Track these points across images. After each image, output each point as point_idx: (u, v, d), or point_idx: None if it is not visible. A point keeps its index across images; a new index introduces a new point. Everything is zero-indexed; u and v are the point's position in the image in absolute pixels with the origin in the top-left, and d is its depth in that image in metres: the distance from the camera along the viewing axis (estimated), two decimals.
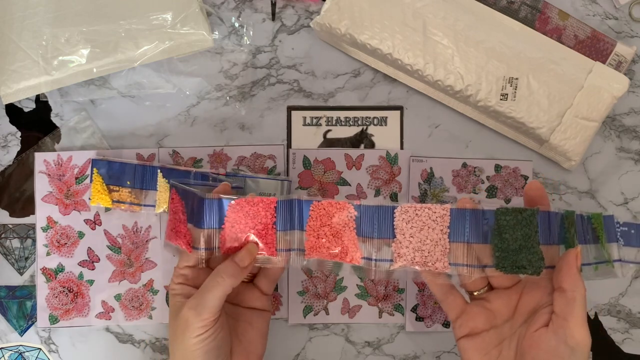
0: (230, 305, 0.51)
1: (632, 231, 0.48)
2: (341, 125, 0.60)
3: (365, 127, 0.60)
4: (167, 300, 0.59)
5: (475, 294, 0.48)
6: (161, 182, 0.56)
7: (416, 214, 0.45)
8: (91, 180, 0.56)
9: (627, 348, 0.60)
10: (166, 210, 0.56)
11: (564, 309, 0.42)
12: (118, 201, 0.57)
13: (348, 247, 0.46)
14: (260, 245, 0.47)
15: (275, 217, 0.47)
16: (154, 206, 0.56)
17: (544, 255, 0.43)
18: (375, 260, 0.46)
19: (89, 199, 0.57)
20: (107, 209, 0.58)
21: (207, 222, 0.47)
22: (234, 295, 0.50)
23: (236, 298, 0.51)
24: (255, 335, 0.51)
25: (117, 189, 0.56)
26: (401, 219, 0.45)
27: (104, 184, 0.56)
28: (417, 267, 0.45)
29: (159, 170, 0.56)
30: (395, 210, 0.45)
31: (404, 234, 0.45)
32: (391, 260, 0.45)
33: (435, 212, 0.45)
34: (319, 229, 0.47)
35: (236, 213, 0.47)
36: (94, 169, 0.56)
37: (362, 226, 0.46)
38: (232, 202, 0.47)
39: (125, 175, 0.56)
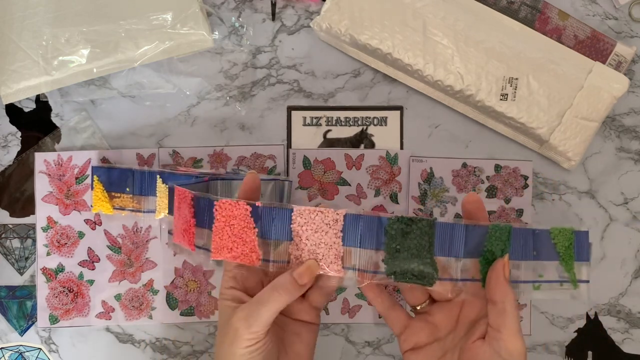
0: (279, 316, 0.48)
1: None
2: (341, 125, 0.60)
3: (365, 127, 0.60)
4: (167, 301, 0.59)
5: (418, 308, 0.48)
6: (160, 187, 0.55)
7: (311, 217, 0.45)
8: (92, 188, 0.57)
9: (627, 348, 0.60)
10: (166, 215, 0.55)
11: (496, 320, 0.42)
12: (120, 207, 0.57)
13: (248, 248, 0.46)
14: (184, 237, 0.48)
15: (194, 213, 0.47)
16: (154, 212, 0.56)
17: (441, 266, 0.43)
18: (273, 262, 0.45)
19: (91, 205, 0.58)
20: None
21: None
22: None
23: (285, 309, 0.49)
24: (303, 349, 0.49)
25: (118, 195, 0.57)
26: (297, 221, 0.45)
27: (105, 191, 0.56)
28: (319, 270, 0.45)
29: (157, 176, 0.56)
30: (292, 213, 0.45)
31: (299, 237, 0.45)
32: (288, 262, 0.45)
33: (328, 216, 0.44)
34: (222, 229, 0.46)
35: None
36: (95, 176, 0.56)
37: (263, 227, 0.45)
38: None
39: (125, 181, 0.56)
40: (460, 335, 0.46)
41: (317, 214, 0.45)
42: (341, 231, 0.44)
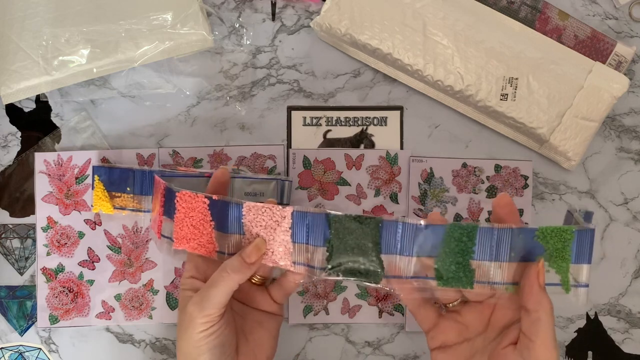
0: (239, 304, 0.50)
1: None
2: (341, 125, 0.60)
3: (365, 127, 0.60)
4: (167, 301, 0.59)
5: (449, 306, 0.48)
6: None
7: (259, 213, 0.45)
8: (93, 187, 0.57)
9: (627, 348, 0.60)
10: None
11: (529, 328, 0.41)
12: (120, 207, 0.57)
13: (206, 240, 0.46)
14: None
15: (163, 203, 0.48)
16: None
17: (386, 265, 0.43)
18: (228, 254, 0.46)
19: (91, 205, 0.58)
20: None
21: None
22: (244, 295, 0.50)
23: (246, 298, 0.50)
24: (265, 336, 0.49)
25: (119, 194, 0.57)
26: (247, 217, 0.45)
27: (105, 191, 0.56)
28: (267, 264, 0.46)
29: (155, 176, 0.56)
30: (242, 208, 0.45)
31: (250, 232, 0.45)
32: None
33: (276, 213, 0.45)
34: (182, 220, 0.47)
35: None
36: (95, 176, 0.56)
37: (219, 220, 0.46)
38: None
39: (126, 181, 0.56)
40: (490, 339, 0.45)
41: (265, 210, 0.45)
42: (290, 228, 0.45)
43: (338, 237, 0.44)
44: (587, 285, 0.43)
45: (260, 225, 0.45)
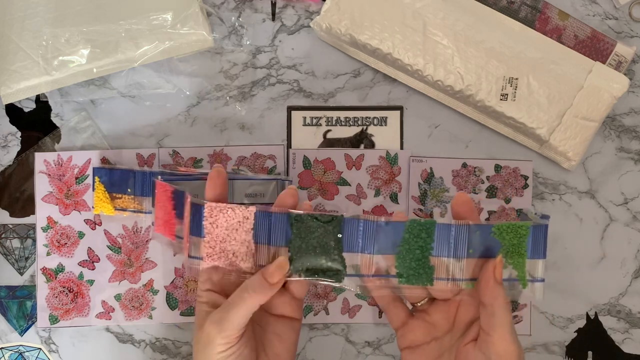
0: (259, 311, 0.46)
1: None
2: (341, 125, 0.60)
3: (365, 127, 0.60)
4: (167, 301, 0.59)
5: (417, 305, 0.47)
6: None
7: (221, 214, 0.45)
8: (93, 189, 0.57)
9: (627, 348, 0.60)
10: None
11: (486, 323, 0.41)
12: (121, 208, 0.57)
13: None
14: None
15: (174, 205, 0.49)
16: None
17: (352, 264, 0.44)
18: (194, 258, 0.45)
19: (92, 207, 0.58)
20: None
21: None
22: None
23: (266, 304, 0.47)
24: (283, 350, 0.47)
25: (120, 196, 0.57)
26: (208, 219, 0.45)
27: (106, 192, 0.56)
28: (223, 266, 0.45)
29: (154, 178, 0.55)
30: (203, 209, 0.45)
31: (210, 233, 0.45)
32: (201, 258, 0.45)
33: (238, 214, 0.45)
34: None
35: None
36: (96, 177, 0.56)
37: (190, 224, 0.45)
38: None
39: (127, 182, 0.56)
40: (456, 337, 0.45)
41: (227, 211, 0.45)
42: (252, 228, 0.45)
43: (300, 237, 0.44)
44: (542, 280, 0.43)
45: (222, 227, 0.45)
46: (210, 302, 0.45)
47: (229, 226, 0.45)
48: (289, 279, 0.44)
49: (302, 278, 0.44)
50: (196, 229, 0.45)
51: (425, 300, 0.47)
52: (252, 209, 0.45)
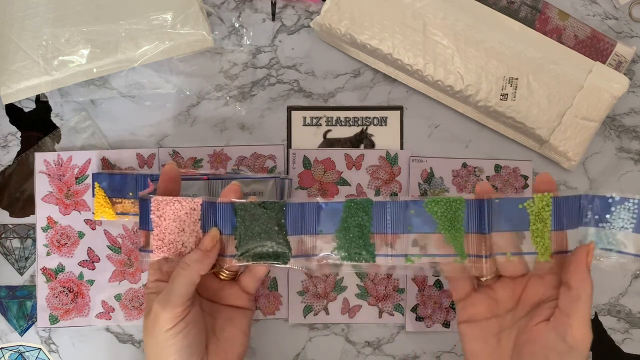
0: (209, 303, 0.49)
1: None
2: (341, 125, 0.60)
3: (365, 127, 0.60)
4: None
5: (482, 280, 0.47)
6: None
7: (168, 206, 0.46)
8: (93, 195, 0.57)
9: (627, 348, 0.60)
10: None
11: (567, 305, 0.41)
12: (122, 213, 0.57)
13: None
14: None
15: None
16: None
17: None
18: (144, 251, 0.47)
19: (93, 213, 0.58)
20: None
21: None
22: (213, 293, 0.49)
23: (215, 296, 0.49)
24: (235, 333, 0.48)
25: (120, 200, 0.57)
26: (155, 213, 0.46)
27: (107, 197, 0.56)
28: (173, 257, 0.46)
29: (148, 179, 0.56)
30: (150, 204, 0.46)
31: (159, 226, 0.46)
32: (151, 251, 0.46)
33: (185, 206, 0.46)
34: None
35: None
36: (96, 183, 0.56)
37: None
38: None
39: (127, 186, 0.56)
40: (519, 316, 0.45)
41: (174, 203, 0.46)
42: (199, 219, 0.46)
43: (244, 224, 0.46)
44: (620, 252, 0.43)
45: (170, 219, 0.46)
46: (159, 291, 0.46)
47: (177, 218, 0.46)
48: (237, 264, 0.46)
49: (250, 263, 0.46)
50: (145, 223, 0.46)
51: (492, 276, 0.47)
52: (199, 200, 0.46)
